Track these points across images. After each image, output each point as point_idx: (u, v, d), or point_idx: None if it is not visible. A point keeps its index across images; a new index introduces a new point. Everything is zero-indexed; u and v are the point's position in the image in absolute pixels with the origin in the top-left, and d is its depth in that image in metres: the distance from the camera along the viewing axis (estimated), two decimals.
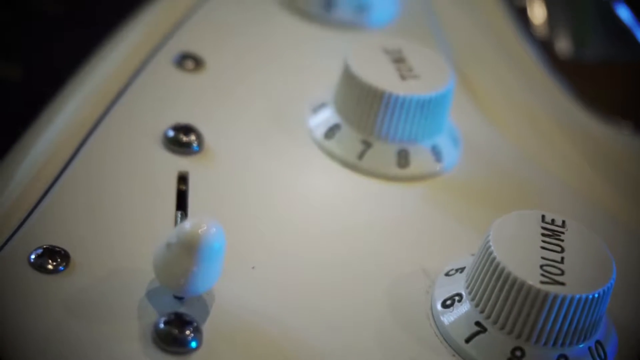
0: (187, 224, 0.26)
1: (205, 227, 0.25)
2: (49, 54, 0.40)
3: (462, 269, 0.29)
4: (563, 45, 0.40)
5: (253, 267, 0.29)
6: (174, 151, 0.32)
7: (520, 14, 0.41)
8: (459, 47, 0.39)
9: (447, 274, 0.30)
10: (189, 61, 0.35)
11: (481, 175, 0.34)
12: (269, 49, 0.37)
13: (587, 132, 0.36)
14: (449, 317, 0.28)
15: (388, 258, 0.30)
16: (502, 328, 0.27)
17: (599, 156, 0.36)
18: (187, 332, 0.26)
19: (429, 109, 0.32)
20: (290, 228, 0.31)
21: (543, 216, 0.29)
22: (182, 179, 0.31)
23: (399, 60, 0.33)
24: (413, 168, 0.33)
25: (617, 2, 0.41)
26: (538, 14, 0.41)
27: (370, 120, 0.32)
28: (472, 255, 0.29)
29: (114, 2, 0.41)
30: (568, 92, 0.38)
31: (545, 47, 0.40)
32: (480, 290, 0.28)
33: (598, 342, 0.28)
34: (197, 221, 0.26)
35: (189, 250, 0.25)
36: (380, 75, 0.33)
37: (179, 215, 0.30)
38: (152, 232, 0.29)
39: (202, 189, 0.31)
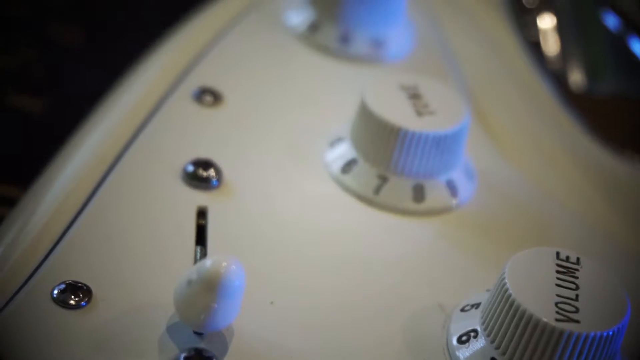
0: (208, 262, 0.26)
1: (226, 265, 0.26)
2: (70, 87, 0.40)
3: (477, 305, 0.30)
4: (576, 78, 0.41)
5: (272, 303, 0.30)
6: (193, 186, 0.32)
7: (534, 47, 0.42)
8: (474, 81, 0.39)
9: (462, 310, 0.30)
10: (208, 96, 0.36)
11: (496, 209, 0.34)
12: (286, 83, 0.37)
13: (601, 166, 0.37)
14: (464, 353, 0.29)
15: (405, 293, 0.31)
16: None
17: (612, 190, 0.36)
18: None
19: (444, 145, 0.33)
20: (308, 263, 0.31)
21: (558, 253, 0.29)
22: (202, 213, 0.32)
23: (414, 96, 0.34)
24: (429, 203, 0.33)
25: (630, 36, 0.41)
26: (551, 47, 0.42)
27: (386, 155, 0.33)
28: (488, 290, 0.30)
29: (135, 34, 0.42)
30: (581, 126, 0.38)
31: (558, 80, 0.40)
32: (496, 326, 0.28)
33: None
34: (217, 259, 0.26)
35: (209, 288, 0.26)
36: (396, 111, 0.33)
37: (199, 250, 0.31)
38: (172, 266, 0.30)
39: (221, 223, 0.32)
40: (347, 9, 0.38)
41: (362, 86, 0.34)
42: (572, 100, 0.40)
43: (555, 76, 0.40)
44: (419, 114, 0.33)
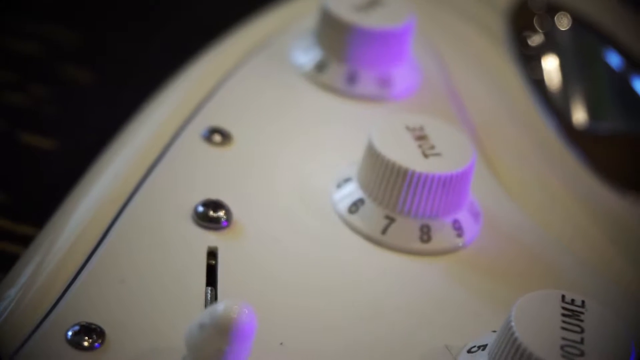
0: (221, 306, 0.27)
1: (237, 310, 0.26)
2: (81, 126, 0.41)
3: (484, 346, 0.30)
4: (579, 116, 0.41)
5: (281, 344, 0.30)
6: (203, 226, 0.33)
7: (538, 86, 0.42)
8: (479, 119, 0.40)
9: (469, 351, 0.30)
10: (217, 136, 0.36)
11: (501, 249, 0.34)
12: (293, 122, 0.38)
13: (605, 206, 0.37)
14: None
15: (412, 334, 0.31)
16: None
17: (616, 230, 0.37)
18: None
19: (450, 186, 0.33)
20: (316, 304, 0.31)
21: (563, 296, 0.30)
22: (212, 254, 0.32)
23: (421, 137, 0.34)
24: (435, 243, 0.34)
25: (632, 75, 0.42)
26: (555, 85, 0.42)
27: (393, 196, 0.33)
28: (494, 332, 0.30)
29: (144, 73, 0.43)
30: (585, 165, 0.39)
31: (561, 118, 0.41)
32: None
33: None
34: (229, 304, 0.27)
35: (221, 332, 0.26)
36: (403, 152, 0.34)
37: (209, 291, 0.31)
38: (183, 308, 0.30)
39: (231, 264, 0.32)
40: (354, 49, 0.39)
41: (370, 128, 0.35)
42: (575, 138, 0.40)
43: (559, 114, 0.41)
44: (426, 155, 0.34)
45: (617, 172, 0.39)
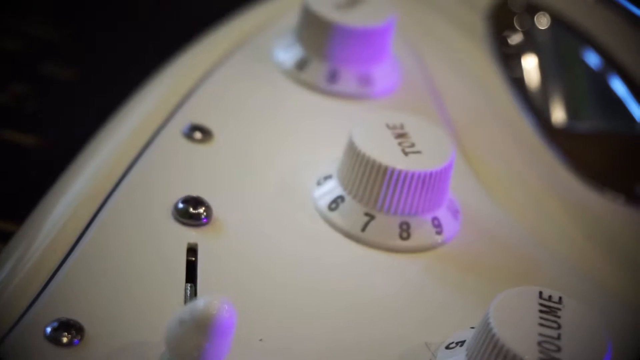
0: (200, 302, 0.27)
1: (217, 306, 0.26)
2: (62, 122, 0.41)
3: (462, 342, 0.30)
4: (558, 115, 0.41)
5: (261, 340, 0.30)
6: (183, 223, 0.33)
7: (518, 84, 0.43)
8: (459, 117, 0.40)
9: (447, 347, 0.30)
10: (197, 133, 0.36)
11: (480, 247, 0.35)
12: (274, 119, 0.38)
13: (583, 203, 0.38)
14: None
15: (391, 331, 0.31)
16: None
17: (594, 227, 0.37)
18: None
19: (430, 184, 0.34)
20: (296, 300, 0.32)
21: (541, 292, 0.30)
22: (192, 250, 0.33)
23: (401, 135, 0.35)
24: (414, 240, 0.34)
25: (610, 75, 0.42)
26: (534, 84, 0.42)
27: (373, 193, 0.34)
28: (472, 328, 0.30)
29: (127, 70, 0.43)
30: (564, 163, 0.39)
31: (540, 116, 0.41)
32: None
33: None
34: (209, 300, 0.27)
35: (201, 329, 0.26)
36: (383, 150, 0.34)
37: (189, 287, 0.31)
38: (163, 304, 0.30)
39: (211, 260, 0.32)
40: (335, 47, 0.39)
41: (350, 126, 0.35)
42: (554, 136, 0.40)
43: (538, 113, 0.41)
44: (405, 153, 0.34)
45: (595, 169, 0.39)
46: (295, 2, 0.42)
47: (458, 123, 0.40)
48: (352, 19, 0.39)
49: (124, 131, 0.36)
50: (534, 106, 0.42)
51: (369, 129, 0.35)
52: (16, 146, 0.39)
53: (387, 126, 0.35)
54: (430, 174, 0.33)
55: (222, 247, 0.33)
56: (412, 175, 0.33)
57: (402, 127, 0.35)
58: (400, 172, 0.33)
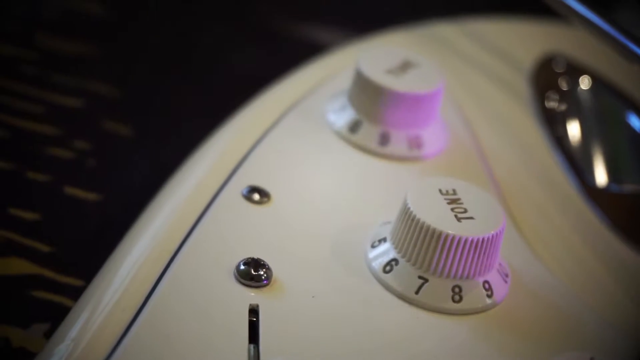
0: None
1: None
2: (121, 176, 0.42)
3: None
4: (600, 175, 0.43)
5: None
6: (245, 284, 0.34)
7: (560, 144, 0.44)
8: (504, 177, 0.41)
9: None
10: (256, 194, 0.38)
11: (528, 309, 0.36)
12: (328, 181, 0.39)
13: (627, 265, 0.39)
14: None
15: None
16: None
17: (638, 289, 0.38)
18: None
19: (482, 249, 0.35)
20: None
21: (592, 359, 0.31)
22: (253, 311, 0.34)
23: (453, 201, 0.36)
24: (466, 303, 0.35)
25: None
26: (577, 144, 0.44)
27: (427, 257, 0.35)
28: None
29: (181, 123, 0.44)
30: (606, 223, 0.40)
31: (582, 176, 0.42)
32: None
33: None
34: None
35: None
36: (437, 216, 0.35)
37: (252, 348, 0.33)
38: None
39: (272, 321, 0.33)
40: (386, 111, 0.40)
41: (404, 190, 0.36)
42: (596, 197, 0.42)
43: (580, 173, 0.42)
44: (458, 219, 0.35)
45: (636, 230, 0.41)
46: (345, 62, 0.43)
47: (503, 182, 0.41)
48: (404, 84, 0.40)
49: (186, 192, 0.38)
50: (577, 166, 0.43)
51: (423, 194, 0.36)
52: (78, 201, 0.41)
53: (440, 191, 0.36)
54: (483, 240, 0.35)
55: (282, 308, 0.34)
56: (466, 240, 0.35)
57: (454, 192, 0.36)
58: (454, 237, 0.35)
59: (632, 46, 0.40)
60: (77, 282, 0.38)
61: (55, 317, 0.36)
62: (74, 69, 0.44)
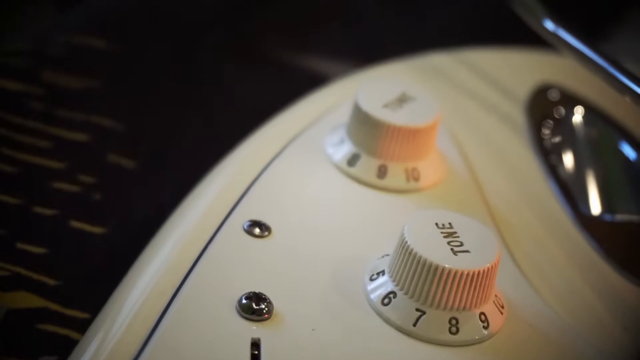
0: None
1: None
2: (126, 210, 0.43)
3: None
4: (594, 204, 0.43)
5: None
6: (246, 318, 0.35)
7: (555, 173, 0.45)
8: (499, 207, 0.42)
9: None
10: (257, 228, 0.38)
11: (525, 340, 0.37)
12: (327, 214, 0.40)
13: (620, 294, 0.40)
14: None
15: None
16: None
17: (631, 318, 0.39)
18: None
19: (478, 281, 0.36)
20: None
21: None
22: (255, 345, 0.35)
23: (449, 234, 0.37)
24: (462, 334, 0.36)
25: None
26: (571, 173, 0.45)
27: (424, 290, 0.36)
28: None
29: (186, 157, 0.45)
30: (600, 252, 0.41)
31: (576, 205, 0.43)
32: None
33: None
34: None
35: None
36: (434, 249, 0.36)
37: None
38: None
39: (273, 354, 0.34)
40: (384, 144, 0.41)
41: (398, 220, 0.37)
42: (590, 226, 0.42)
43: (575, 202, 0.43)
44: (455, 252, 0.36)
45: (630, 260, 0.41)
46: (344, 94, 0.44)
47: (499, 213, 0.42)
48: (401, 117, 0.41)
49: (188, 226, 0.39)
50: (571, 195, 0.44)
51: (420, 228, 0.37)
52: (83, 235, 0.42)
53: (437, 225, 0.37)
54: (479, 273, 0.36)
55: (283, 342, 0.35)
56: (462, 274, 0.35)
57: (450, 225, 0.37)
58: (450, 270, 0.36)
59: (622, 77, 0.42)
60: (83, 315, 0.38)
61: (62, 350, 0.37)
62: (79, 103, 0.45)
